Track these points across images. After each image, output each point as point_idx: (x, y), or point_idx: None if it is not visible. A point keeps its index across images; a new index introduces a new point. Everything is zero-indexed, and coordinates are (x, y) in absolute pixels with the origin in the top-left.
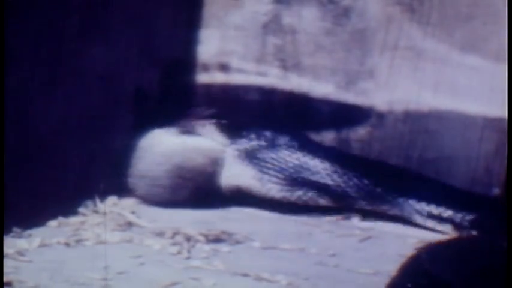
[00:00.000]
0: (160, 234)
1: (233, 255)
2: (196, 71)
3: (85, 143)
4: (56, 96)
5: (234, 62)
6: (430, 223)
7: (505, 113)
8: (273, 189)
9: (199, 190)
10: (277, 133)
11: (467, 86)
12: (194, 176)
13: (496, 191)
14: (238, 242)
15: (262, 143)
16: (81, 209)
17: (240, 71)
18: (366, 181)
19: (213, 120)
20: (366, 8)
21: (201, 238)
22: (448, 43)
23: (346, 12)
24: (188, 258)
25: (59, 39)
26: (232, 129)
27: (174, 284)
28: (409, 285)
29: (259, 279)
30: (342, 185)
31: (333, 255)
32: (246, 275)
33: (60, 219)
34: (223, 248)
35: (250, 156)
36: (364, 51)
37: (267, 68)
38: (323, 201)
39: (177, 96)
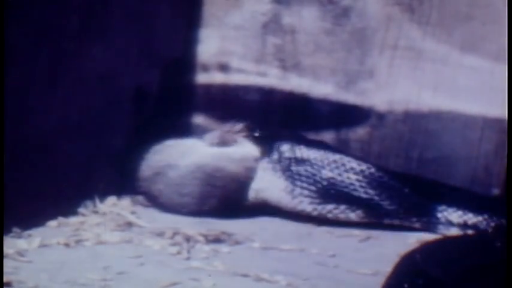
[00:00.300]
0: (160, 234)
1: (233, 255)
2: (196, 71)
3: (85, 143)
4: (55, 96)
5: (234, 62)
6: (454, 230)
7: (504, 113)
8: (304, 202)
9: (228, 200)
10: (310, 146)
11: (467, 86)
12: (224, 184)
13: (496, 191)
14: (237, 243)
15: (296, 155)
16: (80, 209)
17: (240, 71)
18: (400, 193)
19: (246, 132)
20: (366, 8)
21: (201, 238)
22: (447, 43)
23: (345, 12)
24: (188, 258)
25: (59, 39)
26: (265, 141)
27: (174, 284)
28: (406, 285)
29: (258, 279)
30: (376, 197)
31: (333, 255)
32: (245, 276)
33: (60, 219)
34: (223, 248)
35: (283, 169)
36: (363, 51)
37: (266, 68)
38: (353, 216)
39: (177, 96)
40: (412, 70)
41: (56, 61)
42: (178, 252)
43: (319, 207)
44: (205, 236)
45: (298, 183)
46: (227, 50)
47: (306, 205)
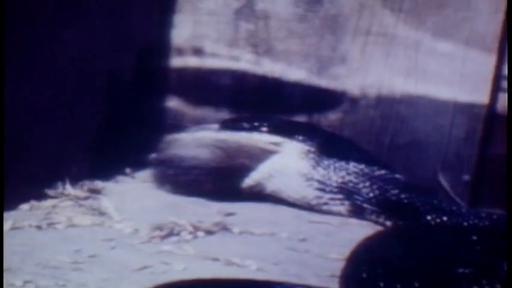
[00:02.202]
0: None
1: (205, 240)
2: (170, 55)
3: (57, 126)
4: (27, 80)
5: (207, 47)
6: None
7: (475, 99)
8: (321, 198)
9: (228, 183)
10: (331, 140)
11: (439, 72)
12: (228, 168)
13: (466, 177)
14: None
15: (314, 148)
16: (53, 193)
17: (213, 55)
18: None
19: (260, 123)
20: None
21: (190, 228)
22: (420, 29)
23: None
24: (159, 242)
25: (31, 23)
26: (282, 131)
27: (145, 267)
28: (364, 274)
29: (229, 263)
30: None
31: (303, 240)
32: (216, 260)
33: (32, 202)
34: (198, 233)
35: (300, 160)
36: (336, 37)
37: (239, 52)
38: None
39: (151, 80)
40: (384, 56)
41: (28, 45)
42: (150, 236)
43: (338, 204)
44: (195, 227)
45: (316, 177)
46: (201, 34)
47: (325, 201)
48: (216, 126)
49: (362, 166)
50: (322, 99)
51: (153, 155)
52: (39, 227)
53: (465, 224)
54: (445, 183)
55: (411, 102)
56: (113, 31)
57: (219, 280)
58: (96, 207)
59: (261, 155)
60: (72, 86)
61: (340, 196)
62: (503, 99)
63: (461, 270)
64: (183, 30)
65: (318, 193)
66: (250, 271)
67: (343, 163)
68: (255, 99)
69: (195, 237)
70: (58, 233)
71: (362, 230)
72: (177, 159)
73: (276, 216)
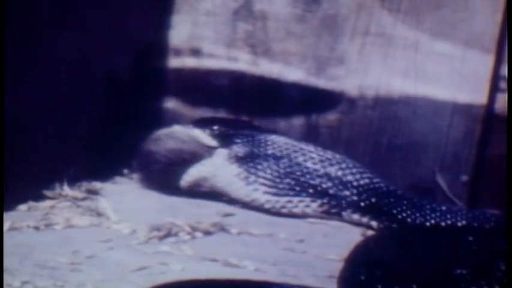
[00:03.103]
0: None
1: (203, 240)
2: (168, 55)
3: (55, 127)
4: (26, 80)
5: (205, 47)
6: None
7: (473, 100)
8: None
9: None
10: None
11: (437, 72)
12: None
13: (464, 178)
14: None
15: (258, 148)
16: (51, 193)
17: (211, 56)
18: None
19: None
20: None
21: (188, 229)
22: (418, 30)
23: None
24: (157, 243)
25: (29, 23)
26: (225, 134)
27: (143, 268)
28: (362, 277)
29: (227, 264)
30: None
31: (301, 241)
32: (214, 261)
33: (30, 203)
34: (196, 234)
35: (241, 161)
36: (334, 37)
37: (237, 53)
38: (309, 210)
39: (149, 81)
40: (382, 57)
41: (26, 46)
42: (148, 237)
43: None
44: (193, 228)
45: (257, 175)
46: (198, 35)
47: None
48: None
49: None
50: (320, 99)
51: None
52: (37, 228)
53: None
54: (443, 183)
55: (409, 102)
56: (111, 31)
57: (217, 281)
58: (94, 208)
59: (203, 155)
60: (70, 87)
61: (300, 198)
62: (501, 99)
63: (459, 271)
64: (180, 30)
65: (270, 197)
66: (248, 272)
67: (298, 165)
68: (253, 99)
69: (193, 237)
70: (56, 234)
71: (359, 231)
72: (150, 154)
73: (274, 217)
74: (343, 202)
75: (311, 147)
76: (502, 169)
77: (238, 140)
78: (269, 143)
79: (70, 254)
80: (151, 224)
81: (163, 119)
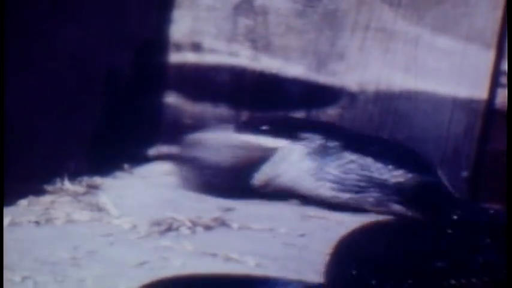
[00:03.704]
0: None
1: (204, 235)
2: (169, 51)
3: (56, 123)
4: (27, 77)
5: (206, 42)
6: None
7: (474, 95)
8: (339, 198)
9: (242, 183)
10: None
11: (438, 67)
12: (243, 168)
13: (465, 173)
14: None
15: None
16: (51, 188)
17: (212, 51)
18: None
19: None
20: None
21: (189, 224)
22: (418, 25)
23: None
24: (158, 238)
25: (31, 19)
26: (291, 131)
27: (143, 263)
28: (354, 272)
29: (228, 259)
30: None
31: (302, 235)
32: (214, 256)
33: (31, 198)
34: (196, 229)
35: (311, 157)
36: (334, 32)
37: (238, 48)
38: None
39: (150, 76)
40: (383, 51)
41: (28, 41)
42: (149, 232)
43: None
44: (193, 222)
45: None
46: (199, 30)
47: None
48: (232, 126)
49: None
50: (321, 94)
51: (152, 151)
52: (37, 223)
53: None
54: (443, 178)
55: (410, 97)
56: (112, 27)
57: (216, 276)
58: (94, 203)
59: (270, 155)
60: (71, 82)
61: (362, 194)
62: (502, 94)
63: (438, 264)
64: (181, 26)
65: (334, 193)
66: (248, 267)
67: (362, 159)
68: (254, 95)
69: (194, 232)
70: (56, 229)
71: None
72: (200, 159)
73: (275, 211)
74: (398, 197)
75: (372, 137)
76: (503, 164)
77: (307, 136)
78: (332, 135)
79: (70, 249)
80: (151, 219)
81: (164, 114)
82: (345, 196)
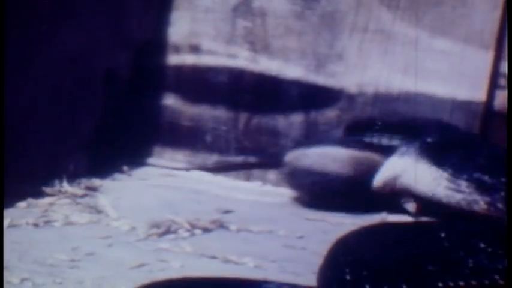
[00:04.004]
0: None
1: (202, 237)
2: (167, 52)
3: (55, 124)
4: (26, 77)
5: (205, 44)
6: None
7: (473, 96)
8: (453, 197)
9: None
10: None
11: (436, 69)
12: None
13: None
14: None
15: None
16: (50, 190)
17: (210, 52)
18: None
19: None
20: None
21: (188, 226)
22: (417, 26)
23: None
24: (156, 240)
25: (30, 21)
26: (401, 133)
27: (142, 265)
28: (348, 276)
29: (226, 261)
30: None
31: (301, 237)
32: (213, 257)
33: (29, 200)
34: (195, 231)
35: (428, 158)
36: (333, 34)
37: (236, 50)
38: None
39: (148, 78)
40: (381, 53)
41: (27, 42)
42: (148, 234)
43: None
44: (192, 225)
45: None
46: (198, 32)
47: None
48: (336, 143)
49: (493, 163)
50: (320, 96)
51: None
52: (36, 225)
53: None
54: None
55: (409, 99)
56: (111, 29)
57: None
58: (93, 205)
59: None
60: (70, 84)
61: (473, 196)
62: (500, 96)
63: (429, 267)
64: (180, 27)
65: (449, 192)
66: (247, 268)
67: (473, 161)
68: (252, 96)
69: (192, 234)
70: (55, 231)
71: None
72: (311, 172)
73: (273, 213)
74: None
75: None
76: None
77: (425, 138)
78: (444, 134)
79: (69, 250)
80: (150, 221)
81: (162, 116)
82: (458, 197)
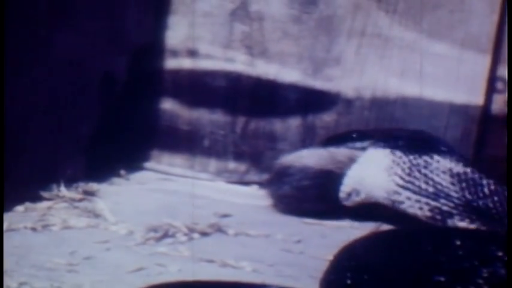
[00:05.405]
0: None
1: (200, 241)
2: (165, 56)
3: (53, 128)
4: (23, 82)
5: (202, 48)
6: None
7: (470, 100)
8: (399, 194)
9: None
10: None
11: (434, 73)
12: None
13: None
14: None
15: (398, 149)
16: (48, 195)
17: (208, 57)
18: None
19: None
20: None
21: (185, 230)
22: (414, 31)
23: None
24: (154, 244)
25: (27, 24)
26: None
27: (140, 269)
28: (349, 281)
29: (224, 265)
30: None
31: (298, 241)
32: (211, 262)
33: (27, 204)
34: (193, 235)
35: (384, 159)
36: (330, 38)
37: (234, 54)
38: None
39: (146, 82)
40: (379, 57)
41: (24, 47)
42: (145, 238)
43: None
44: (190, 229)
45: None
46: (196, 36)
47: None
48: (312, 150)
49: (452, 166)
50: (317, 100)
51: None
52: (34, 229)
53: None
54: None
55: (406, 103)
56: (108, 33)
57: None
58: (91, 209)
59: (351, 162)
60: (67, 88)
61: (420, 198)
62: (498, 100)
63: (438, 278)
64: (177, 31)
65: (397, 189)
66: (245, 273)
67: (433, 162)
68: (250, 100)
69: (190, 238)
70: (53, 235)
71: (356, 232)
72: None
73: (271, 217)
74: (454, 210)
75: (445, 147)
76: (499, 170)
77: (389, 137)
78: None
79: (67, 255)
80: (148, 225)
81: (160, 120)
82: (405, 194)
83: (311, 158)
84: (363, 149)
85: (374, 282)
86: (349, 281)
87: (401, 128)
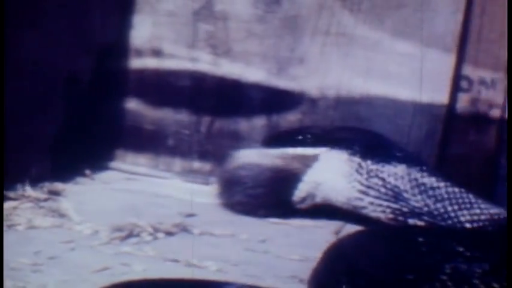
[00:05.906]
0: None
1: (165, 241)
2: (129, 56)
3: (17, 128)
4: None
5: (166, 48)
6: None
7: (435, 99)
8: (362, 200)
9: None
10: (375, 142)
11: (398, 72)
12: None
13: None
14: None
15: (357, 152)
16: (13, 194)
17: (172, 56)
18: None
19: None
20: None
21: (150, 230)
22: (379, 30)
23: None
24: (119, 244)
25: None
26: (323, 140)
27: (105, 269)
28: (344, 286)
29: (189, 265)
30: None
31: (263, 241)
32: (176, 261)
33: None
34: (157, 234)
35: (342, 164)
36: (295, 37)
37: (198, 54)
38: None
39: (110, 82)
40: (343, 57)
41: None
42: (110, 238)
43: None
44: (155, 228)
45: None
46: (159, 35)
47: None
48: (254, 150)
49: (410, 170)
50: (281, 100)
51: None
52: None
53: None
54: None
55: (370, 102)
56: (72, 32)
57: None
58: (56, 209)
59: (306, 167)
60: (31, 88)
61: (382, 202)
62: (462, 99)
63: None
64: (141, 31)
65: (359, 195)
66: (209, 272)
67: (390, 166)
68: (214, 100)
69: (155, 238)
70: (18, 235)
71: (320, 231)
72: (238, 179)
73: (236, 217)
74: (415, 210)
75: (398, 147)
76: (463, 169)
77: (344, 142)
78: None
79: (32, 254)
80: (113, 225)
81: (124, 120)
82: (367, 199)
83: (262, 163)
84: (314, 151)
85: (366, 282)
86: (344, 286)
87: (352, 128)
